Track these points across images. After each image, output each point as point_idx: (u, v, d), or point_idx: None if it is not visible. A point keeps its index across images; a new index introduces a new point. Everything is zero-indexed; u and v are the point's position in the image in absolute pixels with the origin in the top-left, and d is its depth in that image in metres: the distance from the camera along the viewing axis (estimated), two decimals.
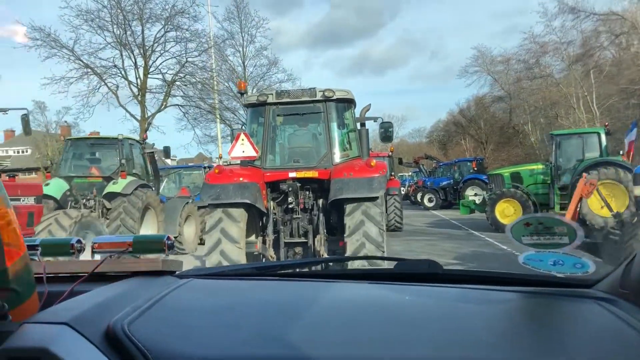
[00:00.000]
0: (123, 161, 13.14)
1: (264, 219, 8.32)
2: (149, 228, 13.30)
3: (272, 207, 8.22)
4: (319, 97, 8.29)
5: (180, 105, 33.61)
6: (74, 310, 1.06)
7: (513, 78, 46.01)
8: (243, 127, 9.27)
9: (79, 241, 1.59)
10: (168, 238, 1.57)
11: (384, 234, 7.53)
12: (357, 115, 8.84)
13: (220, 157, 25.76)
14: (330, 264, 5.49)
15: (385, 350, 1.09)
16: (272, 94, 8.49)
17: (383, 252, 7.32)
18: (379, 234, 7.42)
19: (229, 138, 38.64)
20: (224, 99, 39.35)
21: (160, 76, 32.37)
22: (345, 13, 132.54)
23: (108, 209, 12.62)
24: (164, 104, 32.09)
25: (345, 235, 7.45)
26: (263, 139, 8.36)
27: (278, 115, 8.60)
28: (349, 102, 8.67)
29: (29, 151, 56.10)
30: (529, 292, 1.49)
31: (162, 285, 1.39)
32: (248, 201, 7.54)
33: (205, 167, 18.66)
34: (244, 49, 40.16)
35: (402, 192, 36.60)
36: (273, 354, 1.05)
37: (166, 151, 16.16)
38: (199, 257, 13.27)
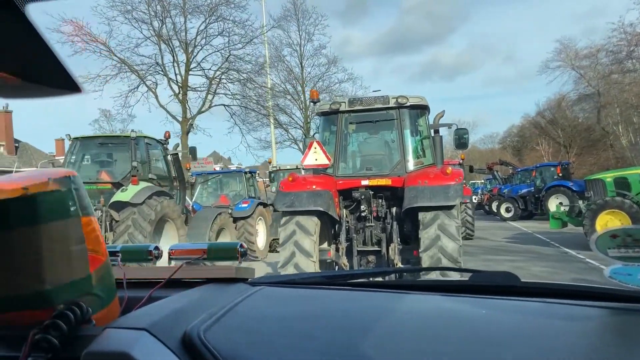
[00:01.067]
0: (135, 164, 11.02)
1: (337, 226, 8.31)
2: (168, 243, 10.69)
3: (344, 215, 8.20)
4: (392, 104, 8.22)
5: (226, 105, 31.34)
6: (153, 316, 1.07)
7: (601, 73, 41.72)
8: (315, 134, 9.27)
9: (156, 248, 1.64)
10: (241, 246, 1.59)
11: (460, 249, 7.37)
12: (431, 122, 8.69)
13: (270, 162, 25.26)
14: (402, 274, 5.42)
15: None
16: (344, 102, 8.48)
17: (460, 266, 7.13)
18: (456, 249, 7.26)
19: (288, 143, 39.86)
20: (280, 102, 38.20)
21: (204, 72, 30.06)
22: (414, 19, 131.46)
23: (117, 221, 10.62)
24: (209, 103, 30.12)
25: (420, 250, 7.33)
26: (335, 147, 8.36)
27: (350, 123, 8.59)
28: (422, 109, 8.55)
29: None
30: (618, 308, 1.37)
31: (235, 293, 1.39)
32: (321, 209, 7.56)
33: (246, 172, 17.70)
34: (302, 49, 39.31)
35: (475, 201, 33.61)
36: None
37: (192, 152, 14.39)
38: (270, 264, 13.34)
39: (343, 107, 8.36)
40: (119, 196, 10.50)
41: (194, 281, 1.52)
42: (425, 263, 7.22)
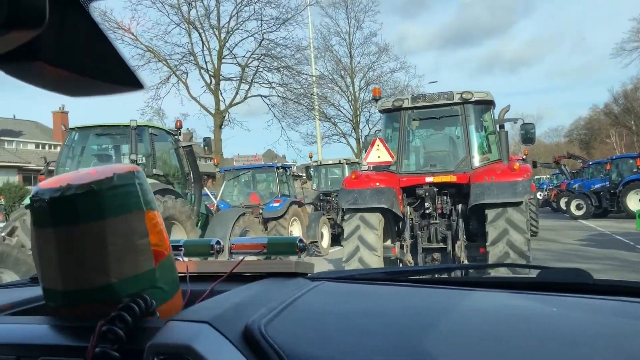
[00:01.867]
0: (134, 157, 9.59)
1: (400, 224, 8.24)
2: None
3: (408, 212, 8.12)
4: (456, 99, 8.07)
5: (264, 96, 28.34)
6: (215, 310, 1.08)
7: None
8: (376, 132, 9.27)
9: (218, 242, 1.65)
10: (300, 240, 1.58)
11: (529, 243, 7.18)
12: (496, 116, 8.50)
13: (311, 157, 22.91)
14: (467, 271, 5.30)
15: None
16: (407, 99, 8.38)
17: (528, 261, 6.96)
18: (524, 242, 7.07)
19: (335, 138, 38.90)
20: (327, 93, 36.18)
21: (243, 60, 27.27)
22: (476, 12, 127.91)
23: None
24: (244, 94, 27.68)
25: (487, 244, 7.19)
26: (398, 144, 8.28)
27: (414, 120, 8.47)
28: (488, 104, 8.35)
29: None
30: None
31: (295, 287, 1.38)
32: (385, 206, 7.51)
33: (278, 168, 16.16)
34: (351, 37, 37.80)
35: (540, 198, 31.60)
36: None
37: (207, 144, 12.52)
38: (332, 261, 13.13)
39: (406, 104, 8.26)
40: None
41: (254, 275, 1.52)
42: (492, 257, 7.08)
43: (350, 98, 39.90)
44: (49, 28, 0.61)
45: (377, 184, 7.69)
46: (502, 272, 6.00)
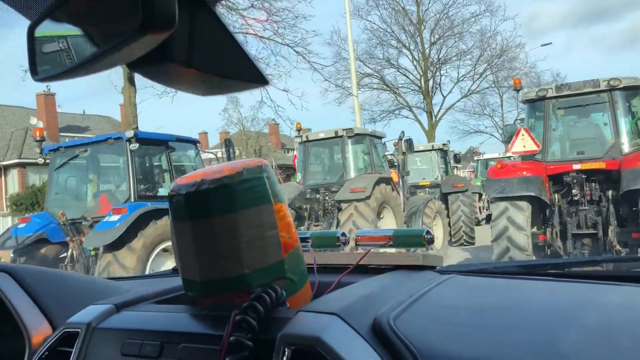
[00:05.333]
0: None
1: (547, 211, 7.73)
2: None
3: (555, 200, 7.61)
4: (603, 86, 7.43)
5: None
6: (343, 302, 1.00)
7: None
8: (517, 121, 8.75)
9: (343, 234, 1.56)
10: (428, 232, 1.41)
11: None
12: None
13: (299, 129, 12.26)
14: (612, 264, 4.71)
15: None
16: (551, 88, 7.85)
17: None
18: None
19: (404, 114, 30.81)
20: (381, 52, 28.16)
21: None
22: None
23: None
24: None
25: None
26: (544, 133, 7.78)
27: (559, 109, 7.94)
28: (636, 89, 7.59)
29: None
30: None
31: (423, 281, 1.24)
32: (533, 194, 7.10)
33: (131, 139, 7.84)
34: None
35: None
36: None
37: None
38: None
39: (550, 94, 7.75)
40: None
41: (380, 267, 1.40)
42: None
43: (418, 57, 29.94)
44: (179, 30, 0.59)
45: (524, 172, 7.31)
46: None
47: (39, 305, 1.23)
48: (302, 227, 10.29)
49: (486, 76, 32.29)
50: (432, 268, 1.40)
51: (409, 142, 11.39)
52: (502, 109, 36.87)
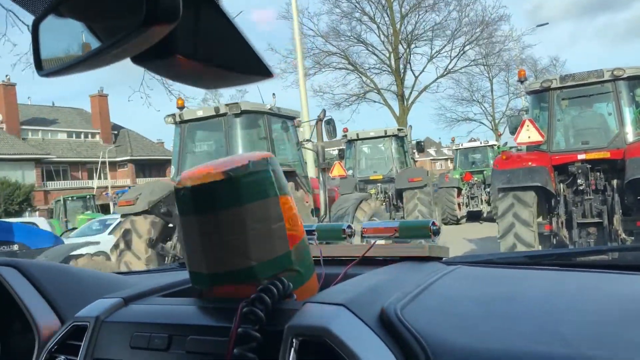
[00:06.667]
0: None
1: (553, 201, 7.71)
2: None
3: (561, 189, 7.59)
4: (607, 77, 7.37)
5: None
6: (350, 293, 0.99)
7: None
8: (520, 112, 8.71)
9: (349, 226, 1.53)
10: (433, 223, 1.39)
11: None
12: None
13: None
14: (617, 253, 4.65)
15: None
16: (555, 79, 7.79)
17: None
18: None
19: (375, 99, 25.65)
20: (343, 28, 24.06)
21: None
22: None
23: None
24: None
25: None
26: (548, 124, 7.73)
27: (563, 100, 7.90)
28: None
29: None
30: None
31: (430, 272, 1.22)
32: (539, 184, 7.08)
33: None
34: None
35: None
36: (560, 352, 0.82)
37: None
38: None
39: (554, 85, 7.70)
40: None
41: (386, 259, 1.38)
42: None
43: (386, 33, 25.77)
44: (183, 23, 0.58)
45: (530, 163, 7.28)
46: None
47: (47, 300, 1.22)
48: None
49: (465, 51, 28.69)
50: (439, 259, 1.38)
51: (331, 123, 8.52)
52: (492, 94, 34.61)
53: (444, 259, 1.40)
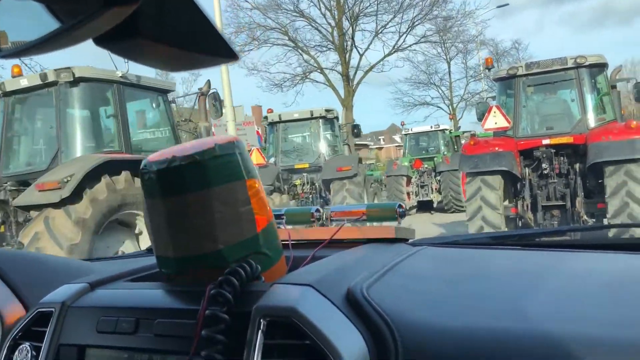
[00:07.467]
0: None
1: (519, 184, 7.91)
2: None
3: (526, 174, 7.78)
4: (570, 64, 7.57)
5: None
6: (317, 274, 0.99)
7: None
8: (488, 99, 8.86)
9: (317, 210, 1.53)
10: (400, 206, 1.40)
11: None
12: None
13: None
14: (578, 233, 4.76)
15: None
16: (521, 67, 7.96)
17: None
18: None
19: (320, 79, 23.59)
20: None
21: None
22: None
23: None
24: None
25: (606, 196, 6.80)
26: (515, 110, 7.89)
27: (528, 86, 8.05)
28: (601, 67, 7.79)
29: None
30: None
31: (396, 253, 1.23)
32: (505, 168, 7.26)
33: None
34: None
35: None
36: (522, 327, 0.83)
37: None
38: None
39: (520, 72, 7.87)
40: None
41: (354, 241, 1.39)
42: (611, 209, 6.70)
43: (328, 6, 23.66)
44: (146, 3, 0.55)
45: (497, 148, 7.44)
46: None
47: (9, 286, 1.20)
48: None
49: (414, 26, 26.06)
50: (405, 241, 1.39)
51: (216, 97, 6.86)
52: (450, 77, 33.15)
53: (410, 240, 1.41)
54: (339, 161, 10.99)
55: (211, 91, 6.75)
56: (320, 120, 11.61)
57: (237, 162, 1.02)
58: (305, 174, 11.27)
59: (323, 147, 11.69)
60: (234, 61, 0.73)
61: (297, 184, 11.06)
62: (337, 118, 12.11)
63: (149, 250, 1.68)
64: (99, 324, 0.99)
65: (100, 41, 0.64)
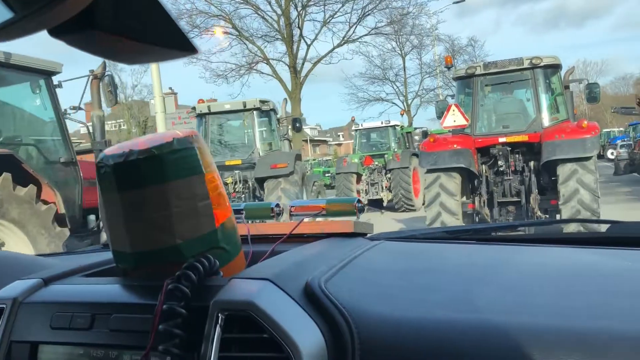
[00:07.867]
0: None
1: (476, 181, 8.08)
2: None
3: (483, 170, 7.95)
4: (526, 65, 7.78)
5: None
6: (275, 268, 0.99)
7: None
8: (447, 97, 9.07)
9: (277, 205, 1.53)
10: (359, 201, 1.42)
11: (598, 200, 7.00)
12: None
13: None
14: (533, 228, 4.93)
15: (605, 321, 0.81)
16: (479, 66, 8.13)
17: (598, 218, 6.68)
18: (594, 200, 6.92)
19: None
20: None
21: None
22: None
23: None
24: None
25: (560, 203, 7.02)
26: (472, 108, 8.04)
27: (486, 86, 8.23)
28: (555, 67, 8.02)
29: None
30: None
31: (354, 247, 1.25)
32: (463, 165, 7.41)
33: None
34: None
35: (614, 157, 21.48)
36: (474, 318, 0.85)
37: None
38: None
39: (478, 71, 8.04)
40: None
41: (314, 236, 1.39)
42: (564, 215, 6.92)
43: None
44: None
45: (455, 145, 7.57)
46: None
47: None
48: None
49: (365, 16, 25.06)
50: (363, 235, 1.40)
51: (111, 83, 5.88)
52: (405, 73, 32.77)
53: (368, 235, 1.42)
54: (274, 157, 9.93)
55: (106, 74, 5.72)
56: (254, 112, 10.43)
57: (196, 156, 1.01)
58: (237, 172, 10.21)
59: (257, 142, 10.54)
60: (192, 54, 0.72)
61: (228, 182, 9.97)
62: (274, 110, 10.96)
63: (104, 246, 1.65)
64: (52, 320, 0.97)
65: (54, 32, 0.63)
